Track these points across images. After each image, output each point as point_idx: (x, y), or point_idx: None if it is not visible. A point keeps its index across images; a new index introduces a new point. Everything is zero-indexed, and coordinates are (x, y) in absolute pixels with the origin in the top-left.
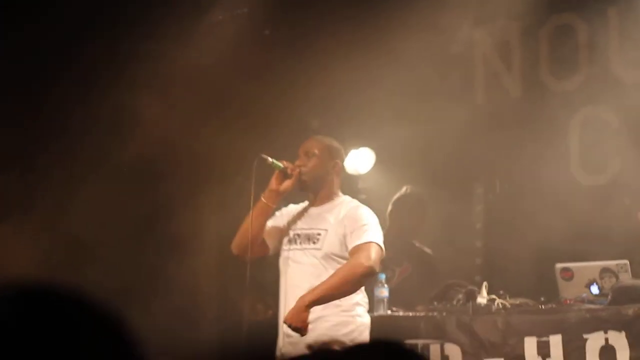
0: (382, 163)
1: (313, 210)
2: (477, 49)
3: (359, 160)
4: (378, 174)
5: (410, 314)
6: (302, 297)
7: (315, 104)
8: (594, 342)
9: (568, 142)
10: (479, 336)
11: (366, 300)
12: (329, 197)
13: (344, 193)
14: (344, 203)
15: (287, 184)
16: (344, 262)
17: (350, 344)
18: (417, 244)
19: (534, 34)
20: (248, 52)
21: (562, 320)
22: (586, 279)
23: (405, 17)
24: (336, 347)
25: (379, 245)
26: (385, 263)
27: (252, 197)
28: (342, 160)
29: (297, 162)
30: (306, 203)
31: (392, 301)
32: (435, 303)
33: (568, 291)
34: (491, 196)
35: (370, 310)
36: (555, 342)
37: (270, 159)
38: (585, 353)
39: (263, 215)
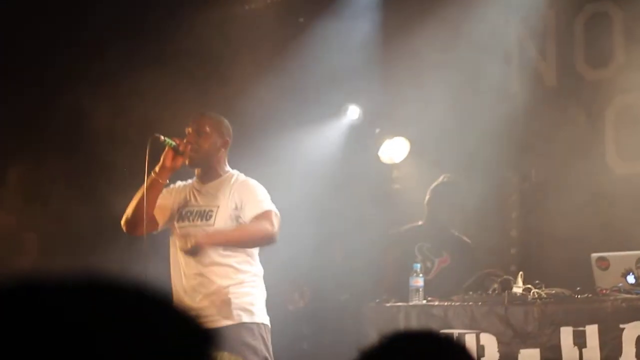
0: (417, 152)
1: (203, 188)
2: (513, 38)
3: (394, 150)
4: (413, 163)
5: (446, 303)
6: (204, 236)
7: (349, 92)
8: (630, 331)
9: (603, 130)
10: (515, 326)
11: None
12: (218, 173)
13: (380, 182)
14: (232, 177)
15: (178, 160)
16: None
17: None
18: (456, 233)
19: (570, 22)
20: (282, 38)
21: (598, 310)
22: (622, 269)
23: (441, 6)
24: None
25: (277, 213)
26: (424, 253)
27: (145, 176)
28: (231, 138)
29: (187, 139)
30: (193, 180)
31: (429, 291)
32: (471, 293)
33: (604, 281)
34: (527, 185)
35: (405, 300)
36: (592, 331)
37: (162, 137)
38: (621, 343)
39: (154, 191)
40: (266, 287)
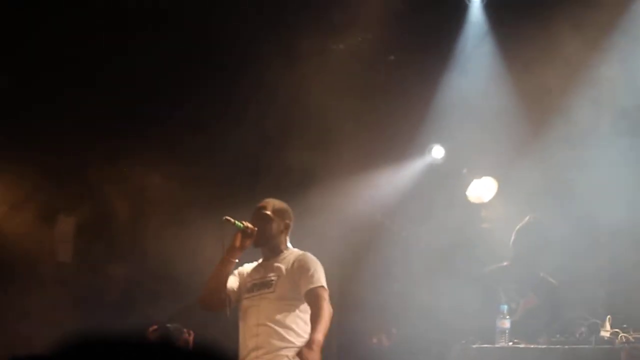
0: (505, 192)
1: (266, 263)
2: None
3: (482, 189)
4: (501, 203)
5: (532, 346)
6: (312, 339)
7: (438, 132)
8: None
9: None
10: None
11: None
12: (280, 250)
13: (467, 222)
14: (293, 253)
15: (247, 242)
16: (293, 302)
17: None
18: (542, 274)
19: None
20: (372, 75)
21: None
22: None
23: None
24: None
25: (325, 287)
26: (509, 294)
27: (223, 255)
28: (292, 221)
29: (253, 224)
30: (260, 260)
31: (514, 333)
32: (558, 335)
33: None
34: (615, 228)
35: (491, 341)
36: None
37: (232, 220)
38: None
39: (225, 271)
40: (353, 326)
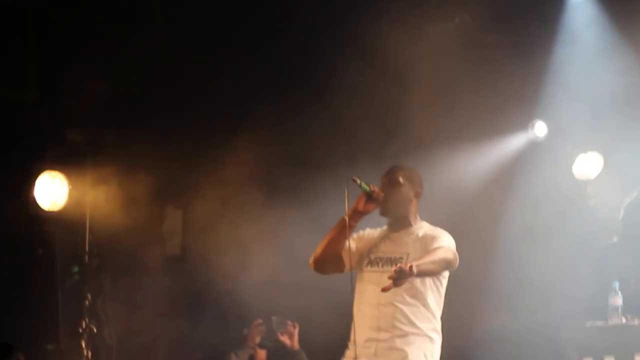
0: (612, 168)
1: (393, 235)
2: None
3: (588, 165)
4: (607, 179)
5: None
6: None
7: (544, 108)
8: None
9: None
10: None
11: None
12: (409, 223)
13: (574, 198)
14: (423, 228)
15: (370, 206)
16: (423, 283)
17: None
18: None
19: None
20: (471, 56)
21: None
22: None
23: None
24: None
25: (455, 253)
26: (621, 271)
27: (346, 216)
28: (422, 189)
29: (381, 188)
30: (384, 228)
31: (627, 309)
32: None
33: None
34: None
35: (603, 319)
36: None
37: (359, 181)
38: None
39: (344, 234)
40: (463, 306)
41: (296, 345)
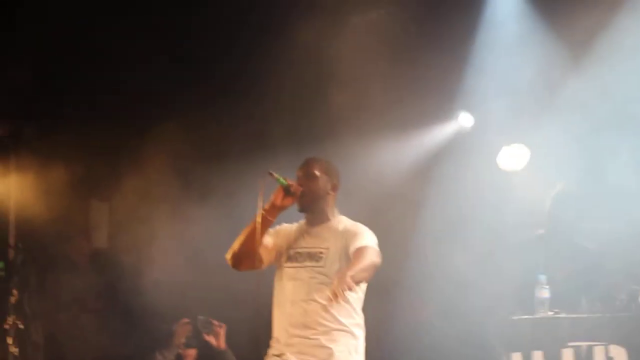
0: (537, 159)
1: (312, 230)
2: None
3: (513, 157)
4: (533, 171)
5: (573, 315)
6: (344, 271)
7: (467, 99)
8: None
9: None
10: None
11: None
12: (327, 217)
13: (499, 190)
14: (342, 222)
15: (288, 200)
16: None
17: None
18: (579, 241)
19: None
20: (396, 46)
21: None
22: None
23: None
24: None
25: (378, 250)
26: (547, 262)
27: (259, 211)
28: (339, 182)
29: (298, 182)
30: (301, 223)
31: (554, 302)
32: (598, 303)
33: None
34: None
35: (530, 312)
36: None
37: (276, 175)
38: None
39: (262, 228)
40: (387, 302)
41: (223, 345)
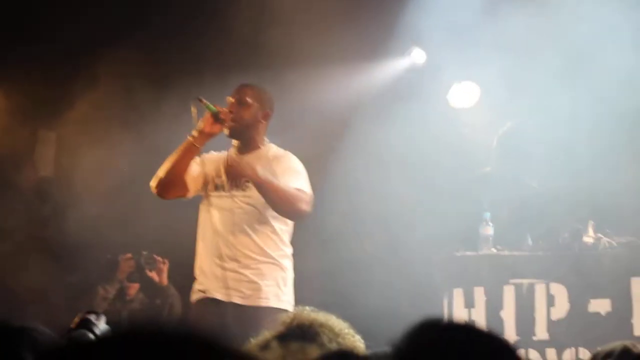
0: (487, 97)
1: (239, 158)
2: None
3: (463, 94)
4: (482, 109)
5: (516, 252)
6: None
7: (417, 33)
8: None
9: None
10: (585, 276)
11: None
12: (256, 145)
13: (448, 127)
14: (271, 149)
15: (217, 127)
16: (270, 210)
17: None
18: (524, 180)
19: None
20: None
21: None
22: None
23: None
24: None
25: (309, 192)
26: (492, 200)
27: (190, 137)
28: (272, 110)
29: (229, 108)
30: (230, 151)
31: (498, 239)
32: (541, 242)
33: None
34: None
35: (474, 249)
36: None
37: (204, 101)
38: None
39: (189, 156)
40: (328, 230)
41: (165, 281)
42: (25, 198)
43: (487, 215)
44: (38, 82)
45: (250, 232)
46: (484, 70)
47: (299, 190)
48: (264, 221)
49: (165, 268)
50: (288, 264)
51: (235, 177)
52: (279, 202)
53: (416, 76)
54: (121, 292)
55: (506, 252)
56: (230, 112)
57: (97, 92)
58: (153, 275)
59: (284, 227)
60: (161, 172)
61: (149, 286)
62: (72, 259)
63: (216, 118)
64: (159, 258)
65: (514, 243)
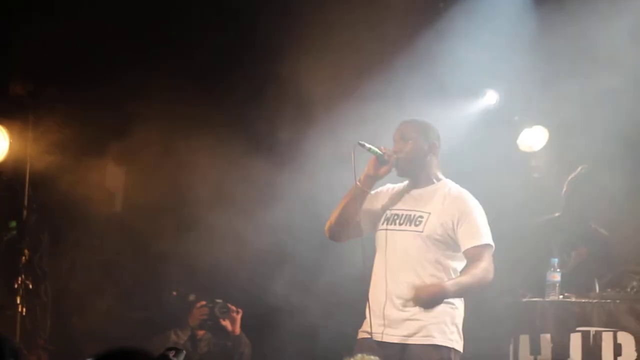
0: (557, 142)
1: (414, 192)
2: None
3: (533, 138)
4: (552, 153)
5: (583, 300)
6: (443, 284)
7: (491, 79)
8: None
9: None
10: None
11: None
12: (430, 179)
13: (518, 170)
14: (447, 186)
15: (383, 169)
16: (444, 245)
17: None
18: (594, 226)
19: None
20: (422, 21)
21: None
22: None
23: None
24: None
25: (492, 245)
26: (560, 246)
27: (355, 183)
28: (439, 141)
29: (394, 147)
30: (405, 183)
31: (565, 286)
32: (609, 290)
33: None
34: None
35: (541, 294)
36: None
37: (367, 145)
38: None
39: (358, 200)
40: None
41: (237, 330)
42: (94, 232)
43: (555, 261)
44: (113, 116)
45: (427, 266)
46: (554, 114)
47: (481, 250)
48: (439, 256)
49: (238, 318)
50: (459, 302)
51: (426, 304)
52: (474, 293)
53: (490, 119)
54: (192, 339)
55: (573, 299)
56: (395, 151)
57: (172, 127)
58: (226, 324)
59: (459, 265)
60: (332, 217)
61: (221, 335)
62: (142, 296)
63: (381, 160)
64: (233, 307)
65: (582, 290)
